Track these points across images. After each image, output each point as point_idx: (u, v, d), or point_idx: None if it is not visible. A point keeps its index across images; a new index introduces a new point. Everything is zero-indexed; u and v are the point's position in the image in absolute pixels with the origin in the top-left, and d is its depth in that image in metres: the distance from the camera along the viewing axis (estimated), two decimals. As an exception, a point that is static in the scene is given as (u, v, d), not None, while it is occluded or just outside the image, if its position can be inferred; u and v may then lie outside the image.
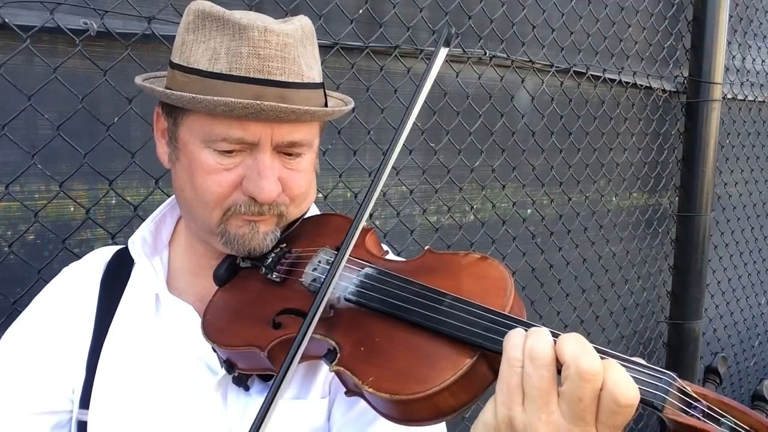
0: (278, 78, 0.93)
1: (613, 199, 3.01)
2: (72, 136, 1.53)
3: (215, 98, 0.90)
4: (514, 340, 0.71)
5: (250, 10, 1.49)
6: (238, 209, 0.97)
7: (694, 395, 0.66)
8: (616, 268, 3.06)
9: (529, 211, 2.65)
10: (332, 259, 0.98)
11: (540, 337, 0.69)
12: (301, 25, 0.98)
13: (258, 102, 0.89)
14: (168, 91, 0.96)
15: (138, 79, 1.05)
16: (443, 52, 0.87)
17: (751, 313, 4.05)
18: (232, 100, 0.89)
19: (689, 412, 0.65)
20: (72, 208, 1.61)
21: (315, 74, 1.00)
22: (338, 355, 0.83)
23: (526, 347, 0.69)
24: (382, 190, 2.14)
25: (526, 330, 0.72)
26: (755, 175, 3.83)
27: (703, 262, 3.20)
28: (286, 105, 0.91)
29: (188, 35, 0.97)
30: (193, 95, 0.92)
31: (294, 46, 0.95)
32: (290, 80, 0.94)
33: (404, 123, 0.86)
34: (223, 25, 0.93)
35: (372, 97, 2.05)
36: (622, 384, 0.65)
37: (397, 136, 0.86)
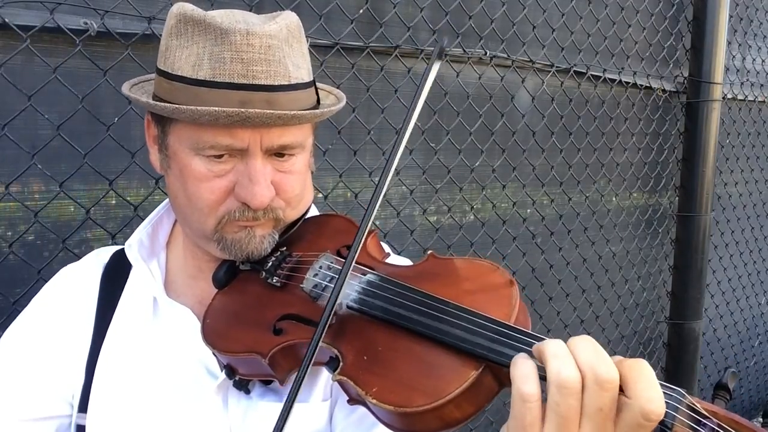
0: (263, 82, 0.90)
1: (613, 199, 3.01)
2: (72, 136, 1.52)
3: (199, 108, 0.88)
4: (524, 371, 0.67)
5: (250, 10, 1.50)
6: (232, 215, 0.96)
7: (704, 412, 0.64)
8: (616, 268, 3.06)
9: (529, 211, 2.65)
10: (333, 265, 0.97)
11: (565, 361, 0.65)
12: (286, 23, 0.95)
13: (243, 110, 0.87)
14: (151, 102, 0.95)
15: (125, 88, 1.04)
16: (437, 66, 0.85)
17: (751, 313, 4.04)
18: (216, 109, 0.87)
19: (699, 430, 0.63)
20: (72, 208, 1.61)
21: (303, 73, 0.98)
22: (341, 364, 0.82)
23: (552, 373, 0.65)
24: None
25: (532, 344, 0.70)
26: (755, 175, 3.83)
27: (703, 262, 3.20)
28: (272, 111, 0.89)
29: (171, 40, 0.94)
30: (176, 106, 0.90)
31: (278, 48, 0.92)
32: (276, 83, 0.91)
33: (401, 136, 0.83)
34: (204, 29, 0.91)
35: (372, 97, 2.05)
36: (656, 400, 0.63)
37: (394, 150, 0.83)
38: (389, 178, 0.84)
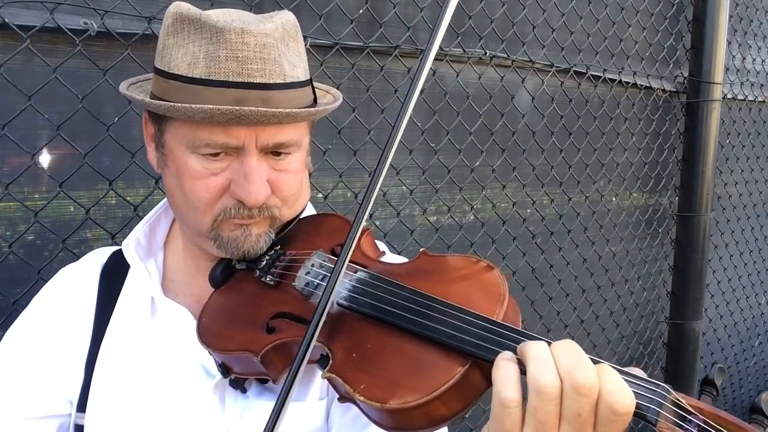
0: (259, 80, 0.91)
1: (613, 199, 3.01)
2: (72, 136, 1.52)
3: (193, 106, 0.88)
4: (505, 374, 0.66)
5: (250, 10, 1.50)
6: (228, 213, 0.96)
7: (690, 408, 0.64)
8: (616, 268, 3.06)
9: (529, 211, 2.65)
10: (325, 263, 0.97)
11: (545, 365, 0.65)
12: (282, 22, 0.95)
13: (237, 108, 0.88)
14: (147, 100, 0.95)
15: (123, 87, 1.04)
16: (452, 6, 0.82)
17: (751, 313, 4.04)
18: (210, 107, 0.87)
19: (684, 427, 0.63)
20: (72, 208, 1.61)
21: (299, 72, 0.98)
22: (330, 361, 0.82)
23: (531, 377, 0.65)
24: (382, 190, 2.14)
25: (520, 340, 0.70)
26: (755, 175, 3.83)
27: (703, 262, 3.20)
28: (266, 109, 0.89)
29: (168, 39, 0.95)
30: (172, 103, 0.90)
31: (274, 46, 0.92)
32: (272, 81, 0.92)
33: (413, 88, 0.83)
34: (200, 27, 0.91)
35: (372, 97, 2.05)
36: (617, 392, 0.63)
37: (403, 109, 0.82)
38: (387, 164, 0.83)
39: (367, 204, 0.83)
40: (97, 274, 1.12)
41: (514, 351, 0.70)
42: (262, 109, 0.89)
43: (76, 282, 1.12)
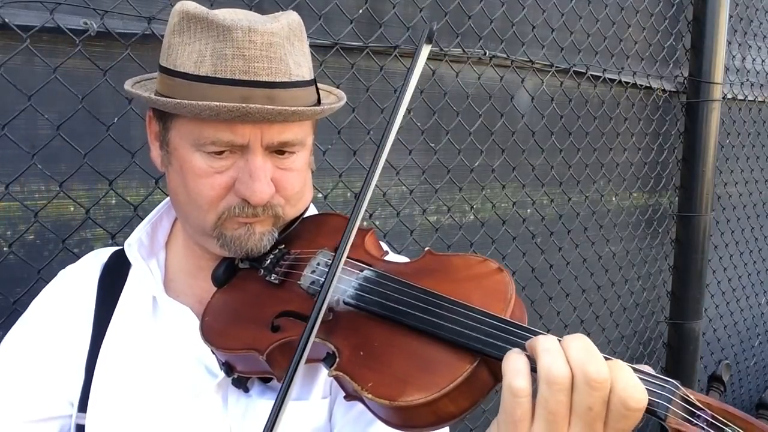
0: (264, 78, 0.91)
1: (613, 199, 3.01)
2: (72, 136, 1.53)
3: (200, 103, 0.88)
4: (515, 365, 0.67)
5: (251, 10, 1.50)
6: (232, 212, 0.96)
7: (698, 404, 0.65)
8: (616, 268, 3.06)
9: (529, 211, 2.65)
10: (330, 261, 0.97)
11: (556, 357, 0.65)
12: (288, 22, 0.96)
13: (244, 105, 0.88)
14: (153, 96, 0.96)
15: (127, 85, 1.04)
16: (426, 50, 0.85)
17: (751, 313, 4.04)
18: (217, 104, 0.88)
19: (693, 422, 0.64)
20: (72, 208, 1.61)
21: (304, 71, 0.98)
22: (337, 359, 0.82)
23: (542, 368, 0.65)
24: (381, 190, 2.14)
25: (528, 338, 0.70)
26: (755, 175, 3.83)
27: (703, 262, 3.20)
28: (272, 106, 0.90)
29: (174, 38, 0.95)
30: (178, 101, 0.90)
31: (280, 45, 0.93)
32: (277, 80, 0.92)
33: (390, 127, 0.85)
34: (207, 26, 0.92)
35: (372, 97, 2.05)
36: (631, 387, 0.63)
37: (382, 144, 0.85)
38: (380, 166, 0.84)
39: (362, 201, 0.83)
40: (96, 274, 1.12)
41: (523, 348, 0.71)
42: (269, 106, 0.90)
43: (75, 283, 1.12)
